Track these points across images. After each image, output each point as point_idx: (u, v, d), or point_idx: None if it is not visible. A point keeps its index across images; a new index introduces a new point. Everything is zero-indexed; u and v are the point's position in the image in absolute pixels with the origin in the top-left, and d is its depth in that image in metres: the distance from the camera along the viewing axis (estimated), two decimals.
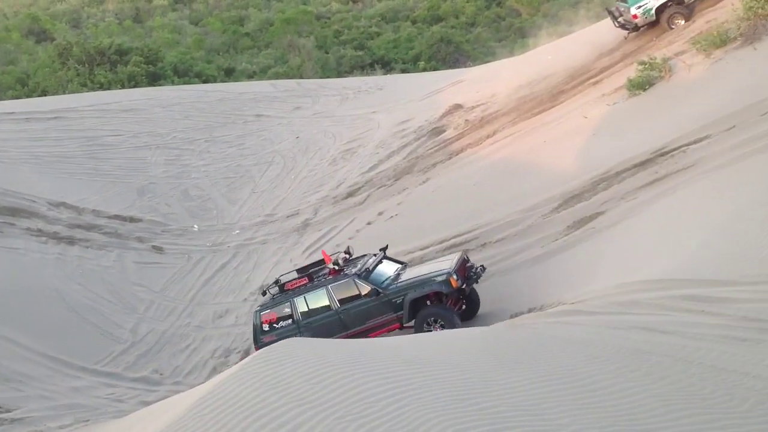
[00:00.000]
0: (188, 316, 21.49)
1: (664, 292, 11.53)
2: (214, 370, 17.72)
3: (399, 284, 15.04)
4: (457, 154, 25.94)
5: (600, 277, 14.15)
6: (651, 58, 22.41)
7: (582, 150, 20.94)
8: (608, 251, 15.47)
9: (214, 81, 49.87)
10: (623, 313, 11.43)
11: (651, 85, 22.00)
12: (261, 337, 15.24)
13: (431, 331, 14.39)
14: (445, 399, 7.48)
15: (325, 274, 15.44)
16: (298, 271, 16.20)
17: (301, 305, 15.12)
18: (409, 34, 56.78)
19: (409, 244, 20.21)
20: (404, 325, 14.99)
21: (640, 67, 22.25)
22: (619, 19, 25.87)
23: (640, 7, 24.67)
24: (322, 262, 16.14)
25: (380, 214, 24.04)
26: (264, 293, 16.19)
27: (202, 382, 13.97)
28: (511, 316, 14.36)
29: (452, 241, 19.91)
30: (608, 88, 24.07)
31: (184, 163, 32.01)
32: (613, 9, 26.50)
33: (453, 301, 15.41)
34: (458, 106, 30.68)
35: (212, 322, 21.01)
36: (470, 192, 22.22)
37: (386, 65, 53.78)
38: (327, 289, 15.10)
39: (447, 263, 15.64)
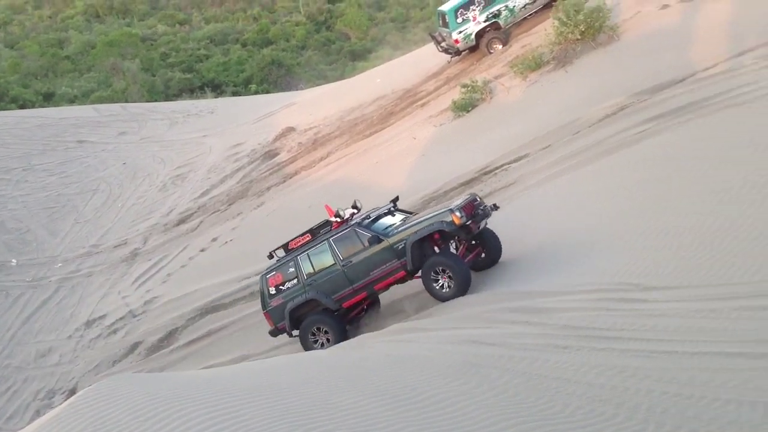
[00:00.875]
0: (7, 357, 20.03)
1: (493, 305, 11.97)
2: (37, 413, 16.59)
3: (401, 229, 13.72)
4: (291, 177, 25.88)
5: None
6: (473, 82, 23.40)
7: (412, 170, 21.49)
8: None
9: (32, 106, 47.19)
10: (456, 328, 11.76)
11: (474, 107, 22.95)
12: (269, 302, 14.42)
13: (439, 283, 13.26)
14: (279, 426, 7.35)
15: (328, 230, 14.25)
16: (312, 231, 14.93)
17: (305, 264, 14.13)
18: (240, 57, 56.27)
19: (245, 270, 19.87)
20: (412, 274, 13.85)
21: (463, 90, 23.17)
22: (443, 44, 26.87)
23: (461, 32, 25.76)
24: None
25: (214, 240, 23.51)
26: (270, 256, 14.93)
27: (24, 427, 13.01)
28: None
29: None
30: (435, 110, 24.88)
31: (0, 194, 29.96)
32: (436, 34, 27.49)
33: (464, 248, 14.14)
34: (291, 129, 30.68)
35: (34, 362, 19.68)
36: (305, 214, 22.17)
37: (217, 88, 52.97)
38: (329, 243, 13.96)
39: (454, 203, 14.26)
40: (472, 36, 25.81)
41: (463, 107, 22.92)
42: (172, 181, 29.89)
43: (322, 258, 13.96)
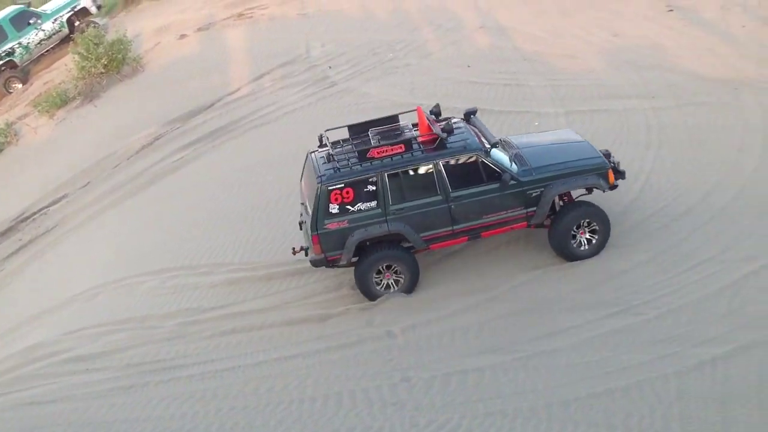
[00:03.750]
0: None
1: (46, 360, 11.06)
2: None
3: (535, 170, 10.67)
4: None
5: None
6: None
7: None
8: None
9: None
10: (8, 393, 10.61)
11: (0, 151, 21.05)
12: (325, 222, 10.33)
13: (577, 240, 10.70)
14: None
15: (412, 142, 10.57)
16: (351, 128, 11.16)
17: (394, 185, 10.35)
18: None
19: None
20: (534, 226, 10.91)
21: None
22: None
23: None
24: (391, 119, 11.20)
25: None
26: (323, 144, 10.97)
27: None
28: None
29: None
30: None
31: None
32: None
33: None
34: None
35: None
36: None
37: None
38: (437, 166, 10.37)
39: (585, 145, 11.32)
40: None
41: None
42: None
43: (422, 183, 10.47)
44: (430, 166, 10.34)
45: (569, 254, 10.72)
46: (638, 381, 8.52)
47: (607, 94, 15.21)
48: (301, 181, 11.40)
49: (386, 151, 10.34)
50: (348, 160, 10.38)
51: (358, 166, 10.29)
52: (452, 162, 10.36)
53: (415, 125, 11.10)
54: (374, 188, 10.28)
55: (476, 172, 10.41)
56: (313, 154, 10.88)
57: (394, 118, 11.11)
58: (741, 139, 12.68)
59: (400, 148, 10.33)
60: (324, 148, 10.91)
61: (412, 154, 10.36)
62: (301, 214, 11.32)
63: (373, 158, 10.32)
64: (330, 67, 18.40)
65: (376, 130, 10.92)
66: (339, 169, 10.29)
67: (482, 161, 10.38)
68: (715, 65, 15.67)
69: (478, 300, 10.27)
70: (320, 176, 10.28)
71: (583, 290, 10.13)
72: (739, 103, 13.51)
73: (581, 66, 16.52)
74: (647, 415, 8.09)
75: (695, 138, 12.96)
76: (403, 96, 16.32)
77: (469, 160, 10.37)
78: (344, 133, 11.02)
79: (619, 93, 15.19)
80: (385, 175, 10.27)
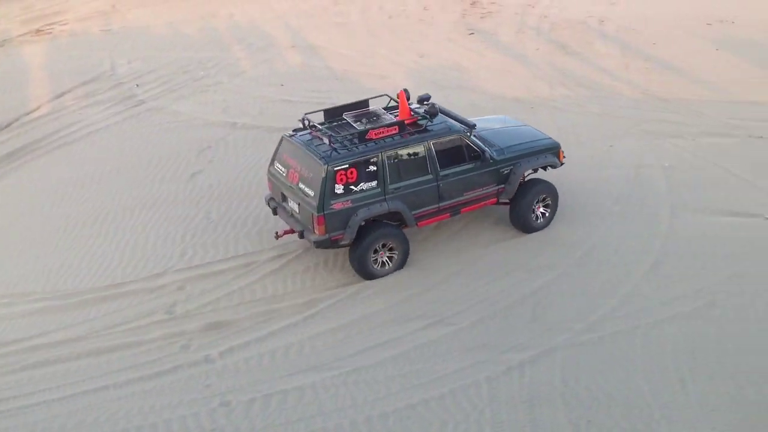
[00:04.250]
0: None
1: None
2: None
3: (505, 149, 11.66)
4: None
5: None
6: None
7: None
8: None
9: None
10: None
11: None
12: (331, 203, 10.46)
13: (535, 214, 11.80)
14: None
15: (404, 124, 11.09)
16: (327, 112, 11.54)
17: (391, 164, 10.78)
18: None
19: None
20: (500, 202, 11.83)
21: None
22: None
23: None
24: (361, 104, 11.70)
25: None
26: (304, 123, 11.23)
27: None
28: None
29: None
30: None
31: None
32: None
33: None
34: None
35: None
36: None
37: None
38: (428, 146, 10.93)
39: (530, 129, 12.66)
40: None
41: None
42: None
43: (415, 163, 10.96)
44: (422, 146, 10.95)
45: (529, 228, 11.78)
46: (452, 389, 8.85)
47: None
48: (274, 166, 11.36)
49: (383, 132, 10.85)
50: (348, 141, 10.72)
51: (360, 147, 10.65)
52: (440, 143, 11.05)
53: (387, 109, 11.67)
54: (375, 168, 10.68)
55: (460, 152, 11.23)
56: (294, 138, 11.07)
57: (364, 103, 11.67)
58: None
59: (395, 129, 10.90)
60: (303, 132, 11.14)
61: (407, 136, 10.97)
62: (272, 200, 11.55)
63: (371, 139, 10.75)
64: (137, 85, 17.79)
65: (351, 114, 11.38)
66: (337, 150, 10.54)
67: (466, 142, 11.24)
68: (513, 85, 16.69)
69: (297, 319, 10.26)
70: (325, 157, 10.44)
71: (401, 303, 10.41)
72: (536, 121, 14.41)
73: (390, 85, 17.00)
74: (462, 421, 8.41)
75: None
76: (215, 114, 16.08)
77: (454, 142, 11.15)
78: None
79: None
80: (384, 155, 10.71)
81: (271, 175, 11.46)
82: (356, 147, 10.63)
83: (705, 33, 20.85)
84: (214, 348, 9.86)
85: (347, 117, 11.31)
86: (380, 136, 10.82)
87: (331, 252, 11.47)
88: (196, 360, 9.68)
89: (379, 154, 10.67)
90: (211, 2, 23.38)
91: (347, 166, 10.50)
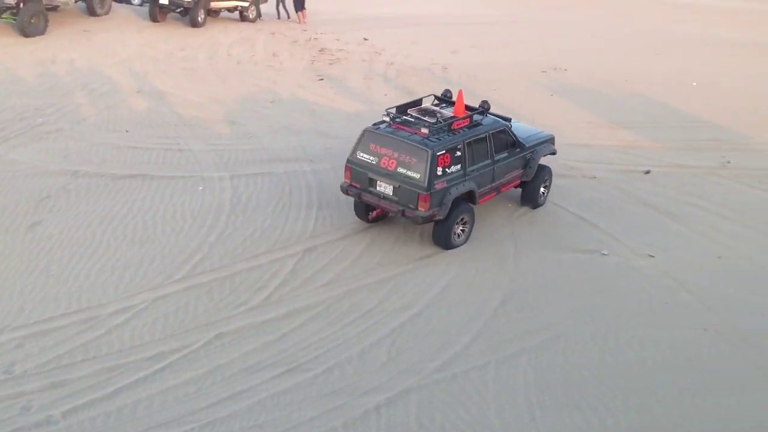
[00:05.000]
0: None
1: None
2: None
3: (525, 140, 14.05)
4: None
5: None
6: None
7: None
8: None
9: None
10: None
11: None
12: (434, 183, 12.11)
13: (541, 191, 14.42)
14: None
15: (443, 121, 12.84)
16: (398, 108, 13.15)
17: (469, 150, 12.74)
18: None
19: None
20: (523, 182, 14.24)
21: None
22: None
23: None
24: (418, 102, 13.62)
25: None
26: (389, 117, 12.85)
27: None
28: None
29: None
30: None
31: None
32: None
33: None
34: None
35: None
36: None
37: None
38: (489, 135, 13.14)
39: (524, 125, 15.27)
40: None
41: None
42: None
43: (481, 149, 12.97)
44: (485, 136, 12.97)
45: (537, 204, 14.29)
46: None
47: (270, 157, 15.72)
48: (357, 156, 12.59)
49: (461, 124, 12.82)
50: (439, 131, 12.43)
51: (450, 136, 12.46)
52: (494, 133, 13.14)
53: (438, 105, 13.79)
54: (460, 154, 12.47)
55: (505, 141, 13.41)
56: (379, 130, 12.52)
57: (419, 102, 13.49)
58: None
59: (467, 122, 12.90)
60: (384, 124, 12.66)
61: (478, 126, 12.99)
62: (351, 186, 12.69)
63: (455, 129, 12.66)
64: None
65: (414, 110, 13.08)
66: (430, 138, 12.20)
67: (509, 133, 13.47)
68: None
69: (146, 373, 9.82)
70: (428, 144, 12.09)
71: (255, 351, 10.17)
72: None
73: (242, 131, 16.87)
74: None
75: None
76: (56, 162, 15.34)
77: (503, 132, 13.33)
78: None
79: (281, 156, 15.77)
80: (465, 143, 12.56)
81: (354, 165, 12.64)
82: (447, 135, 12.41)
83: (540, 79, 22.10)
84: (56, 408, 9.25)
85: (412, 113, 12.97)
86: (460, 126, 12.79)
87: (180, 301, 11.10)
88: (38, 421, 9.05)
89: (463, 142, 12.52)
90: (49, 47, 22.51)
91: (444, 151, 12.23)
